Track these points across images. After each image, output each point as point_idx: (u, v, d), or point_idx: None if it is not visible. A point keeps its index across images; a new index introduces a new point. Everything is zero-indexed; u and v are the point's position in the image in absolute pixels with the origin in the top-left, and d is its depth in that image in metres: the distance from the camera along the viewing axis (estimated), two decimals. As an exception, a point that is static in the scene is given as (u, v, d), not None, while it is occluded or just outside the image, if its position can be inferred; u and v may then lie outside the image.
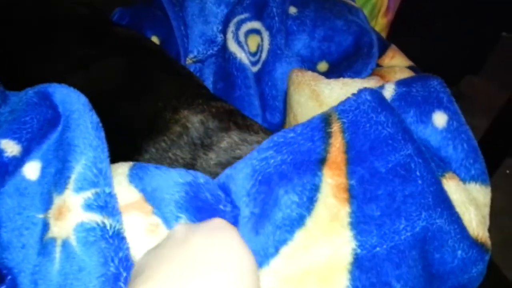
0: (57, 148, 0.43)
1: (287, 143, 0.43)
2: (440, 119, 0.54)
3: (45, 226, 0.39)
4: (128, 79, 0.57)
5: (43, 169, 0.43)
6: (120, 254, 0.37)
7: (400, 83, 0.56)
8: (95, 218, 0.38)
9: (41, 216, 0.40)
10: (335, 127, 0.45)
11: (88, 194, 0.38)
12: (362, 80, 0.61)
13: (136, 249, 0.39)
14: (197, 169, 0.48)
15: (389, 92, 0.55)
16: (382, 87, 0.56)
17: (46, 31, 0.64)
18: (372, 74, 0.67)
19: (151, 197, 0.41)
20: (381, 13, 0.97)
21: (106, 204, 0.39)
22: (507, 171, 1.37)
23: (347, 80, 0.61)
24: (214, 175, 0.47)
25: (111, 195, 0.40)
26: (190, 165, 0.48)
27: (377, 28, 0.95)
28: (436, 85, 0.56)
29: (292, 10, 0.73)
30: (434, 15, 1.16)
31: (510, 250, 1.21)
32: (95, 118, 0.42)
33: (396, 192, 0.43)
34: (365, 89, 0.48)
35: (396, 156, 0.45)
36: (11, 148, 0.42)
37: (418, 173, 0.45)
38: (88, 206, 0.38)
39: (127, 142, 0.50)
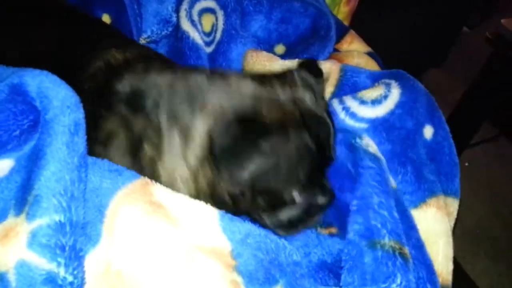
0: (32, 153, 0.37)
1: None
2: (427, 131, 0.54)
3: None
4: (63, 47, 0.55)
5: (13, 171, 0.37)
6: None
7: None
8: (36, 260, 0.31)
9: None
10: None
11: (41, 222, 0.32)
12: (318, 62, 0.59)
13: None
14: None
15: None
16: None
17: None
18: (329, 58, 0.65)
19: (240, 252, 0.37)
20: (343, 1, 0.95)
21: (55, 240, 0.32)
22: (466, 164, 1.39)
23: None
24: None
25: (72, 223, 0.33)
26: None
27: (340, 17, 0.93)
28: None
29: (248, -11, 0.71)
30: (396, 5, 1.16)
31: (467, 241, 1.23)
32: (73, 117, 0.36)
33: None
34: None
35: None
36: None
37: None
38: (33, 243, 0.31)
39: None
